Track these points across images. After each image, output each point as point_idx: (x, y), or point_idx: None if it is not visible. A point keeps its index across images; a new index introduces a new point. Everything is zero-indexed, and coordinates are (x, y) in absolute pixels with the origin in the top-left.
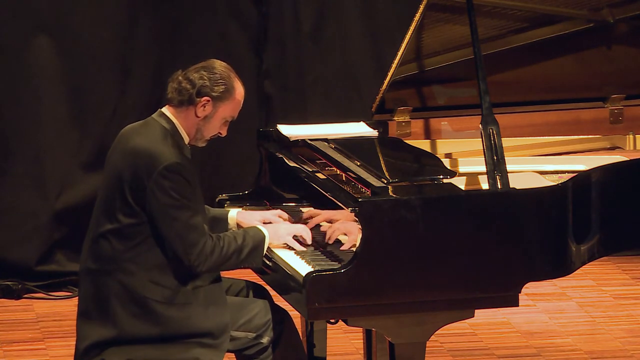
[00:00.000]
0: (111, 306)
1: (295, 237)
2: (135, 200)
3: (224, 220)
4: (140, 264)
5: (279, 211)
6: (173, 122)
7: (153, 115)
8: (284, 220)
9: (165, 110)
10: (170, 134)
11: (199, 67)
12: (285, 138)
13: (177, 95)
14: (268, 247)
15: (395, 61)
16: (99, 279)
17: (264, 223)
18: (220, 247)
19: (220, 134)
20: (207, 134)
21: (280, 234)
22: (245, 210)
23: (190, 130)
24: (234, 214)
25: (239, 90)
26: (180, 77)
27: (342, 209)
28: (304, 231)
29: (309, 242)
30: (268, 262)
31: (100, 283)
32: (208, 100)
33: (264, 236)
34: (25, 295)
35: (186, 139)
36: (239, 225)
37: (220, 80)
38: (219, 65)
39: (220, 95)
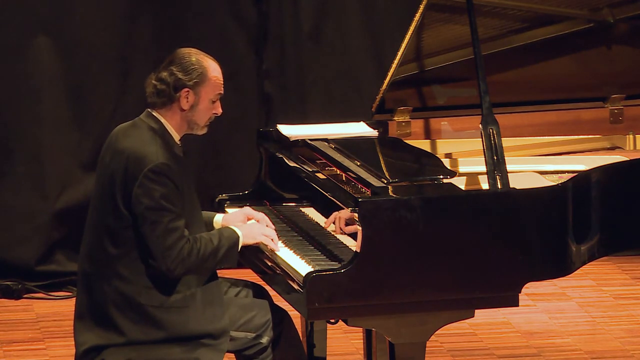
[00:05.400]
0: (110, 314)
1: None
2: (124, 204)
3: (210, 225)
4: (134, 270)
5: (261, 214)
6: (161, 122)
7: (141, 116)
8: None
9: (152, 110)
10: (159, 134)
11: (165, 65)
12: (285, 138)
13: (157, 98)
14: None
15: (395, 61)
16: (95, 283)
17: (248, 219)
18: (197, 249)
19: (216, 113)
20: (201, 120)
21: (254, 234)
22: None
23: (180, 126)
24: (219, 219)
25: (212, 67)
26: (153, 81)
27: (343, 209)
28: (271, 232)
29: (276, 242)
30: (268, 262)
31: (97, 287)
32: (188, 91)
33: (238, 236)
34: (25, 295)
35: (176, 137)
36: None
37: (191, 67)
38: (184, 53)
39: (197, 81)
